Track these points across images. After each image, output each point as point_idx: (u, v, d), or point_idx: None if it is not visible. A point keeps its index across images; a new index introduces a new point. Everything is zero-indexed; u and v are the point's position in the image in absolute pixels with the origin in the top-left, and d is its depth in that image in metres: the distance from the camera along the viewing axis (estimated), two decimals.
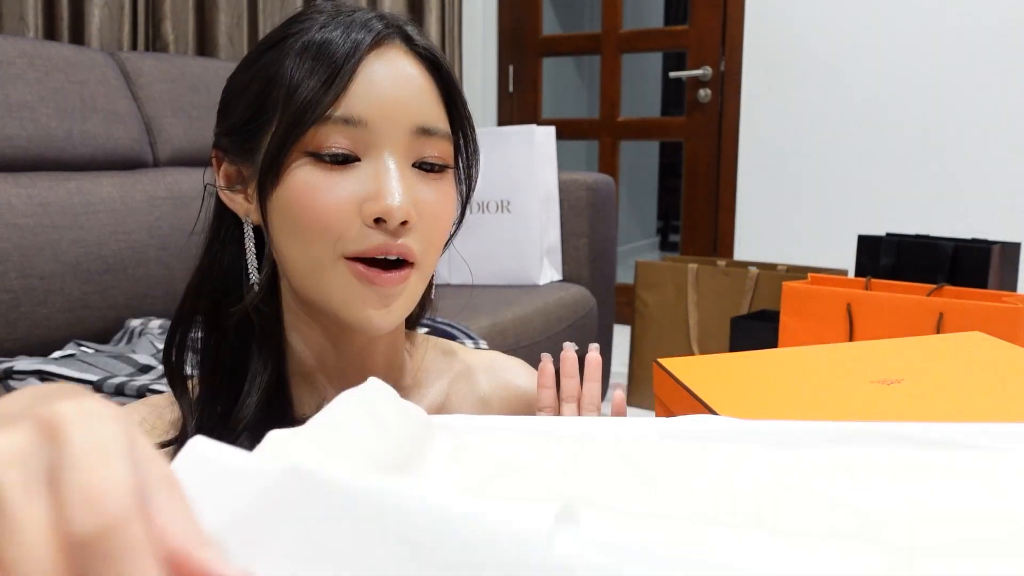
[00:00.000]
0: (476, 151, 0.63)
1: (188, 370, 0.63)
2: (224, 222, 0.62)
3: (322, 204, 0.55)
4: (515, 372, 0.73)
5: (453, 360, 0.72)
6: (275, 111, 0.56)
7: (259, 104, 0.57)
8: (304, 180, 0.55)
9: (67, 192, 1.48)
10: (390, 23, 0.58)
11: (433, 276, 0.68)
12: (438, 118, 0.58)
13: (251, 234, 0.61)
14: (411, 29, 0.59)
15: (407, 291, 0.58)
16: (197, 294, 0.62)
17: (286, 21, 0.59)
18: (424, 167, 0.58)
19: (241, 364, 0.61)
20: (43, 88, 1.50)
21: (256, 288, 0.60)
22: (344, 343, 0.62)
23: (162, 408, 0.64)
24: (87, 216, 1.48)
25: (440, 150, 0.58)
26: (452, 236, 0.66)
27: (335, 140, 0.55)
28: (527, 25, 3.44)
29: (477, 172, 0.64)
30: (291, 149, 0.55)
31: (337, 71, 0.54)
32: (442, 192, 0.59)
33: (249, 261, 0.61)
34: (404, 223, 0.55)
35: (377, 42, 0.56)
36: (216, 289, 0.61)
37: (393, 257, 0.56)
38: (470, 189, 0.64)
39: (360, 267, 0.56)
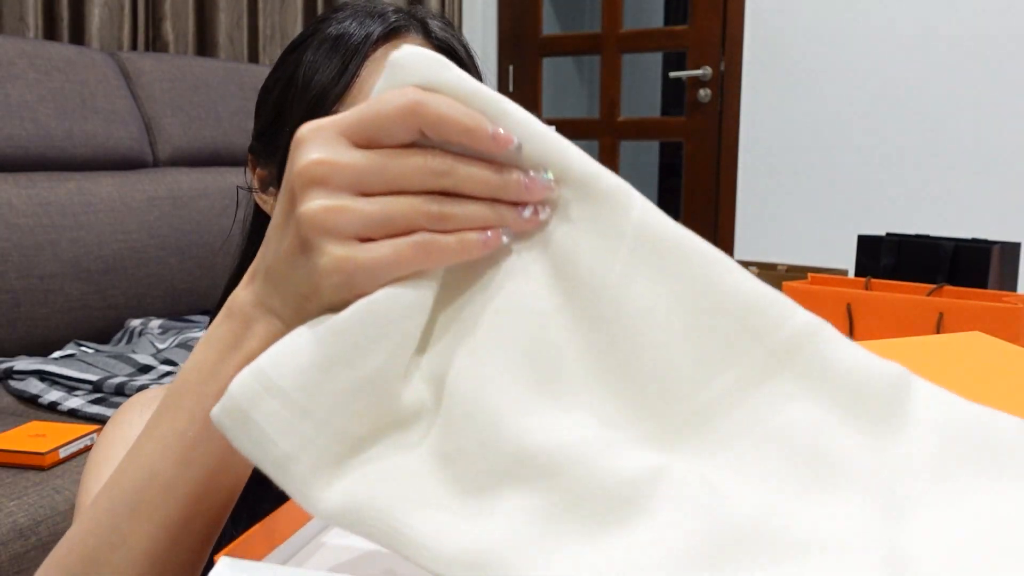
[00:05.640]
0: None
1: None
2: (261, 226, 0.61)
3: None
4: None
5: None
6: (293, 110, 0.56)
7: (280, 105, 0.57)
8: None
9: (67, 192, 1.48)
10: (408, 14, 0.58)
11: None
12: None
13: None
14: (433, 21, 0.59)
15: None
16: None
17: (312, 21, 0.59)
18: None
19: None
20: (43, 88, 1.50)
21: None
22: None
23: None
24: (87, 216, 1.48)
25: None
26: None
27: None
28: (527, 25, 3.44)
29: None
30: None
31: (348, 62, 0.54)
32: None
33: None
34: None
35: (392, 32, 0.56)
36: None
37: None
38: None
39: None
